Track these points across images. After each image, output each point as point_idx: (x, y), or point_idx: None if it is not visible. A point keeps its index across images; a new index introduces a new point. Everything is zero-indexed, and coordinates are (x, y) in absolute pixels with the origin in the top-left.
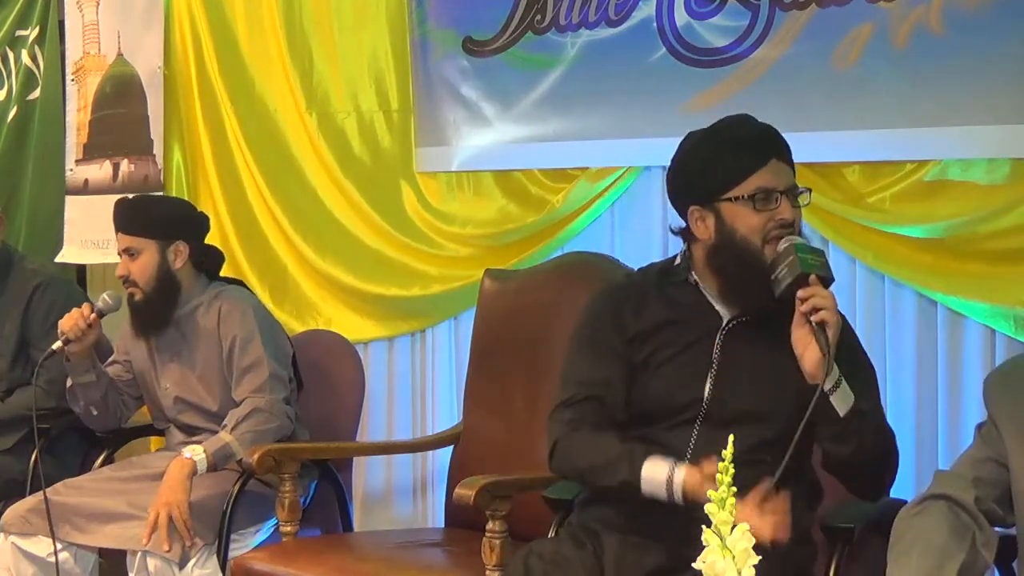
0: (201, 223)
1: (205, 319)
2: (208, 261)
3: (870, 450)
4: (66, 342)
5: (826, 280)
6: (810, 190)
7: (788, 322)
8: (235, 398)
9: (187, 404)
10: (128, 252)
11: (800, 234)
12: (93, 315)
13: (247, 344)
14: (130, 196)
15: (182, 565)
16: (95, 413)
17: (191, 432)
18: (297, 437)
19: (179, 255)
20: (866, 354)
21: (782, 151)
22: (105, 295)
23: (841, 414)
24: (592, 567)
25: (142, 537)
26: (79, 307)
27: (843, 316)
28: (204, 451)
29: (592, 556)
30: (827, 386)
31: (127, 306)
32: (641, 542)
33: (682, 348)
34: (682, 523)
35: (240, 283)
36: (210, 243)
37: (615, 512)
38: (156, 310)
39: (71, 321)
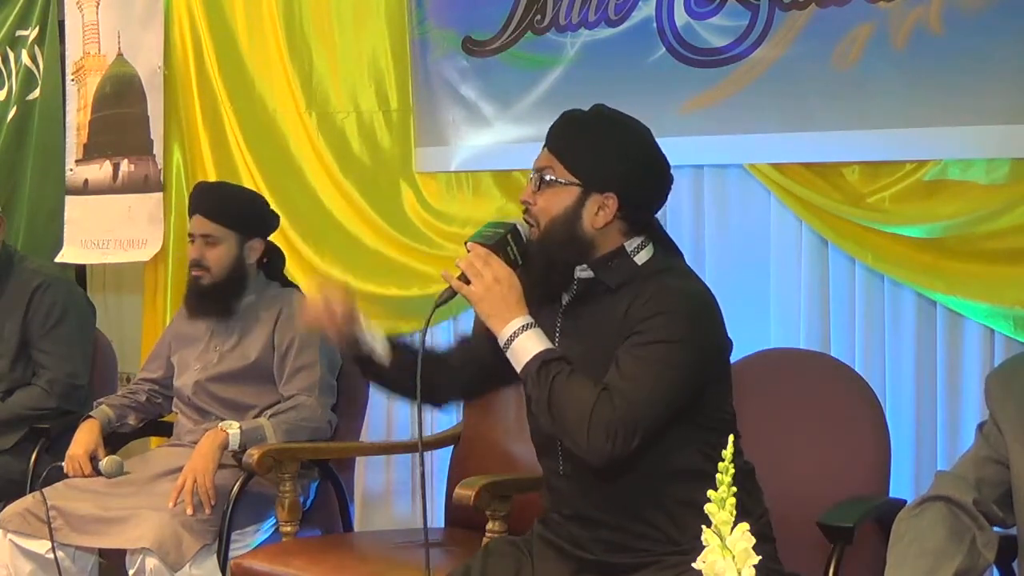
0: (274, 222)
1: (263, 317)
2: (272, 259)
3: (544, 411)
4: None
5: (493, 245)
6: (547, 168)
7: (610, 296)
8: (283, 393)
9: (208, 389)
10: (206, 238)
11: (532, 215)
12: (90, 472)
13: (305, 347)
14: (212, 181)
15: (176, 568)
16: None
17: (204, 415)
18: None
19: (253, 251)
20: (676, 343)
21: (552, 140)
22: (107, 460)
23: (517, 370)
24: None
25: (171, 499)
26: (82, 452)
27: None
28: (239, 427)
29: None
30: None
31: (186, 287)
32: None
33: (547, 330)
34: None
35: (297, 287)
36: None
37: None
38: (222, 298)
39: (72, 465)
